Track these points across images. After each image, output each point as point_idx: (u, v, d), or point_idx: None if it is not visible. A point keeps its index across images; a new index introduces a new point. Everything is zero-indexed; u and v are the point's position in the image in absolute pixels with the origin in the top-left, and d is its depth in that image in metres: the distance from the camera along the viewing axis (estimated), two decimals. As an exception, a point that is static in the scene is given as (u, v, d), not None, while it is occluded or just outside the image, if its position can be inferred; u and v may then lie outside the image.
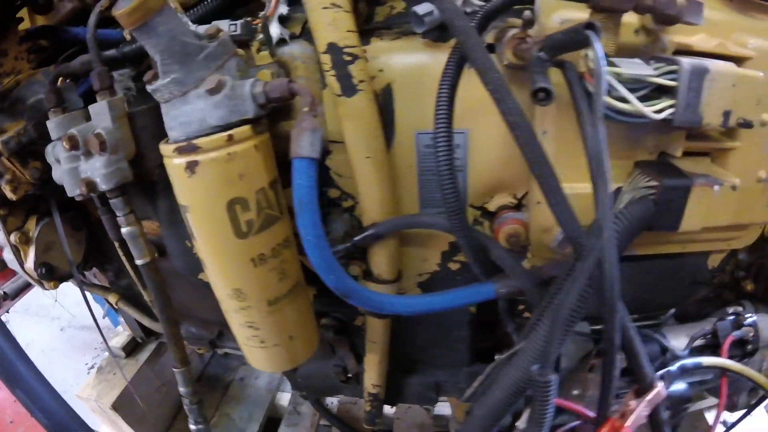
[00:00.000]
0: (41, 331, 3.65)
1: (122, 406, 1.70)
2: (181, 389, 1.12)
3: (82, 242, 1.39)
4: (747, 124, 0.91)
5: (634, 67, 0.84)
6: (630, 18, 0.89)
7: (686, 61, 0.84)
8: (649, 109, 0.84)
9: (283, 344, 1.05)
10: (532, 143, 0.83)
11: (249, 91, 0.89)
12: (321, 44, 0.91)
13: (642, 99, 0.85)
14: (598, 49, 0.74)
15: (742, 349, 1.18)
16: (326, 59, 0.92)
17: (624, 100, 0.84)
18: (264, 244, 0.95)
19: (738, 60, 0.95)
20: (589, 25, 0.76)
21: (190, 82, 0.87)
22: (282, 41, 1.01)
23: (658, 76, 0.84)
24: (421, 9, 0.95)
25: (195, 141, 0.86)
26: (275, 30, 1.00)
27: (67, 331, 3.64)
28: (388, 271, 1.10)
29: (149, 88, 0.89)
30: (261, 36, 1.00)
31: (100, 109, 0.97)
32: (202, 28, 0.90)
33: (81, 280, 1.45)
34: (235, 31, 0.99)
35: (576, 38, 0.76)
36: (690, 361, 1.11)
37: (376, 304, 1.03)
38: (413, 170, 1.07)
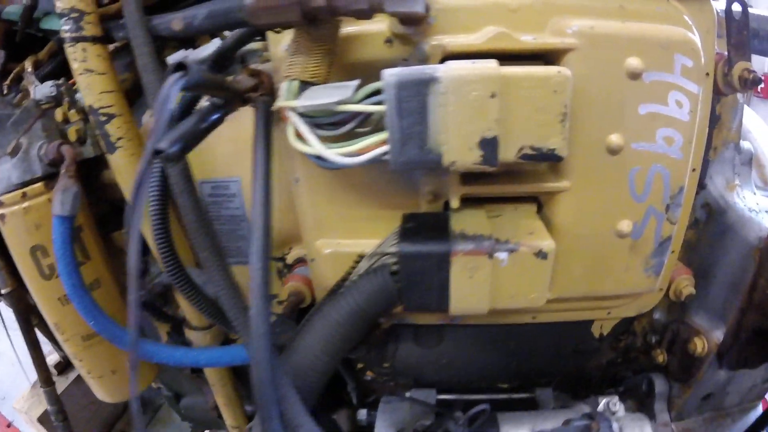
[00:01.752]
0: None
1: (48, 420, 1.35)
2: (48, 407, 0.97)
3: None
4: (545, 156, 0.43)
5: (322, 95, 0.44)
6: (377, 26, 0.48)
7: (391, 73, 0.40)
8: (336, 151, 0.43)
9: (107, 376, 0.86)
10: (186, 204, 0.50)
11: (36, 153, 0.74)
12: (87, 107, 0.71)
13: (353, 135, 0.45)
14: (173, 94, 0.38)
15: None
16: (92, 120, 0.71)
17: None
18: (67, 285, 0.79)
19: (554, 54, 0.47)
20: (179, 66, 0.40)
21: (2, 147, 0.75)
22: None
23: (358, 101, 0.43)
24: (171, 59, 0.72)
25: (1, 197, 0.74)
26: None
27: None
28: (194, 318, 0.81)
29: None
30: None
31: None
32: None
33: None
34: (53, 92, 0.83)
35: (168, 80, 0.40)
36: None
37: (144, 353, 0.77)
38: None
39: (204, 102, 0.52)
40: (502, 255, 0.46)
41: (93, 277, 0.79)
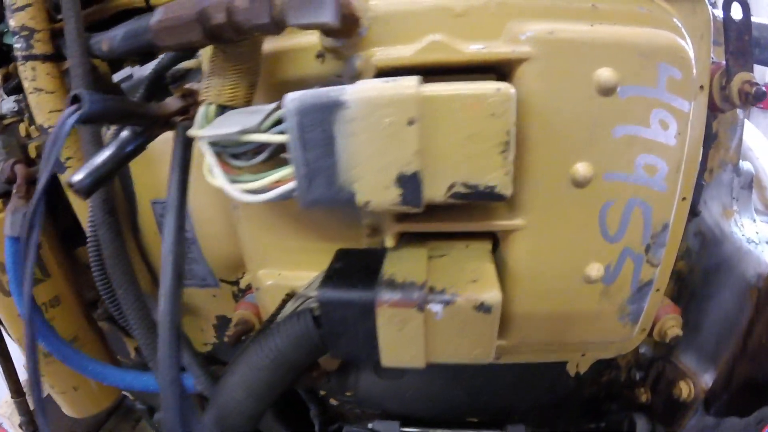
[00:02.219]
0: None
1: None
2: (20, 417, 0.89)
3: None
4: (483, 195, 0.32)
5: (231, 122, 0.34)
6: (307, 39, 0.38)
7: (292, 98, 0.31)
8: (240, 186, 0.33)
9: (69, 392, 0.80)
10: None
11: None
12: (37, 126, 0.62)
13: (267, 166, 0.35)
14: (65, 130, 0.30)
15: None
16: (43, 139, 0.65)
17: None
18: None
19: (507, 66, 0.36)
20: (74, 98, 0.31)
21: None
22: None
23: (265, 130, 0.32)
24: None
25: (-34, 215, 0.69)
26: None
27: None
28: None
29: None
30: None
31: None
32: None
33: None
34: (15, 107, 0.76)
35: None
36: None
37: (95, 374, 0.67)
38: (158, 238, 0.70)
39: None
40: (435, 307, 0.35)
41: (52, 294, 0.72)
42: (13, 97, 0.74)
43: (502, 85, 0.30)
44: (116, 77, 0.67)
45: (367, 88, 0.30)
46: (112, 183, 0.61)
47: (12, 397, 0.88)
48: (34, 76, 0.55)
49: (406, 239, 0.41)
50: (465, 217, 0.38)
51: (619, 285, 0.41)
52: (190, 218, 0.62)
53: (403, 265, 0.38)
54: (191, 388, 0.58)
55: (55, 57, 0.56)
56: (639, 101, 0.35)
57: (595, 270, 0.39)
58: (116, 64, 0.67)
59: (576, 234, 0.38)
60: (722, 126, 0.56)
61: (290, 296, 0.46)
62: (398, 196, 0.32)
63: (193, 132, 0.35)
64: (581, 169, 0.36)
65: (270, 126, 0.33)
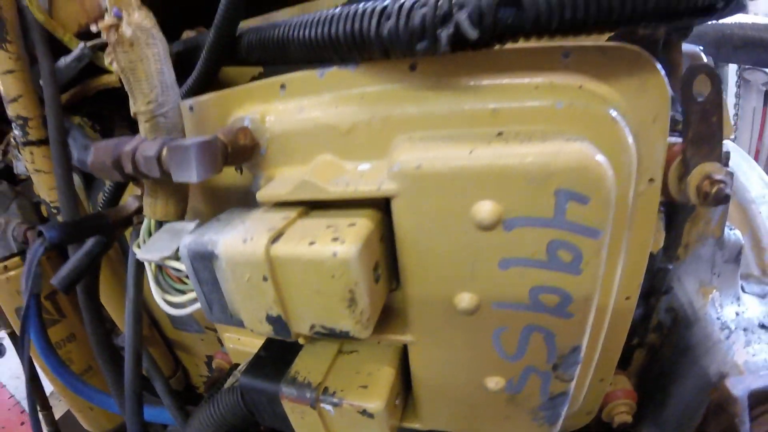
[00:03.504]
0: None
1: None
2: (45, 428, 0.85)
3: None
4: (342, 335, 0.26)
5: (160, 242, 0.32)
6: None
7: (185, 243, 0.28)
8: (166, 297, 0.33)
9: (85, 411, 0.84)
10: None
11: (10, 233, 0.72)
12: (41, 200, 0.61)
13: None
14: (35, 260, 0.33)
15: None
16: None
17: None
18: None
19: (381, 202, 0.28)
20: (39, 233, 0.32)
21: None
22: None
23: (178, 259, 0.31)
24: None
25: (-7, 268, 0.74)
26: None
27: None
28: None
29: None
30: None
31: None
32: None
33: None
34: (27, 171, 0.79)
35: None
36: None
37: (97, 401, 0.60)
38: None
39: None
40: (326, 407, 0.32)
41: (68, 332, 0.76)
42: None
43: (341, 249, 0.24)
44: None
45: (229, 244, 0.26)
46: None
47: (39, 410, 0.85)
48: (32, 159, 0.53)
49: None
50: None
51: (526, 395, 0.32)
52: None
53: (310, 361, 0.34)
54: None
55: (48, 140, 0.52)
56: (530, 233, 0.25)
57: (494, 383, 0.31)
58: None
59: (469, 352, 0.30)
60: None
61: (236, 366, 0.45)
62: (271, 330, 0.28)
63: (135, 250, 0.35)
64: (465, 299, 0.28)
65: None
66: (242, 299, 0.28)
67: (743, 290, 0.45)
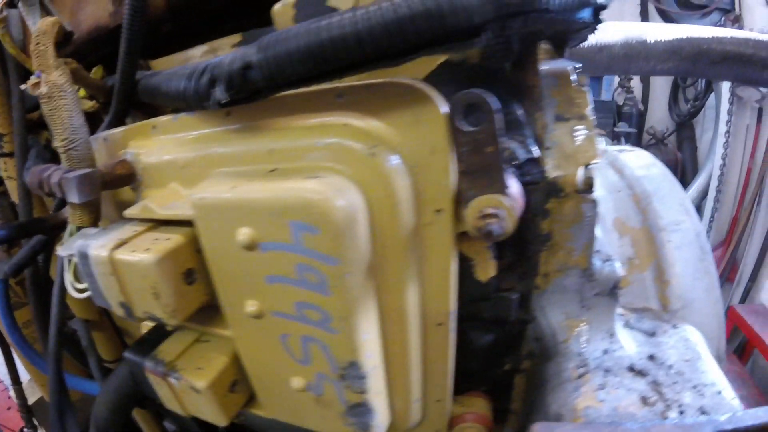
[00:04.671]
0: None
1: (39, 409, 1.01)
2: (17, 401, 0.88)
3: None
4: (159, 319, 0.35)
5: (73, 242, 0.43)
6: None
7: (76, 245, 0.39)
8: (74, 285, 0.44)
9: (46, 386, 0.73)
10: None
11: None
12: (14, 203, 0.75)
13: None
14: None
15: None
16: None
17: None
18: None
19: (187, 224, 0.36)
20: None
21: None
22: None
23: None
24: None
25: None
26: None
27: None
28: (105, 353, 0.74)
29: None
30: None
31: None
32: None
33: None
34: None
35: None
36: None
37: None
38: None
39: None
40: (173, 381, 0.40)
41: (28, 317, 0.79)
42: None
43: (145, 257, 0.32)
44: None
45: (93, 248, 0.36)
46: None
47: (12, 384, 0.91)
48: (5, 168, 0.64)
49: (194, 320, 0.46)
50: (201, 319, 0.40)
51: (328, 400, 0.36)
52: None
53: (172, 344, 0.43)
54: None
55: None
56: (280, 256, 0.30)
57: (296, 383, 0.36)
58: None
59: (271, 352, 0.36)
60: (557, 225, 0.38)
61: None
62: (124, 313, 0.38)
63: (57, 247, 0.47)
64: (251, 306, 0.33)
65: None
66: (104, 289, 0.38)
67: (630, 326, 0.41)
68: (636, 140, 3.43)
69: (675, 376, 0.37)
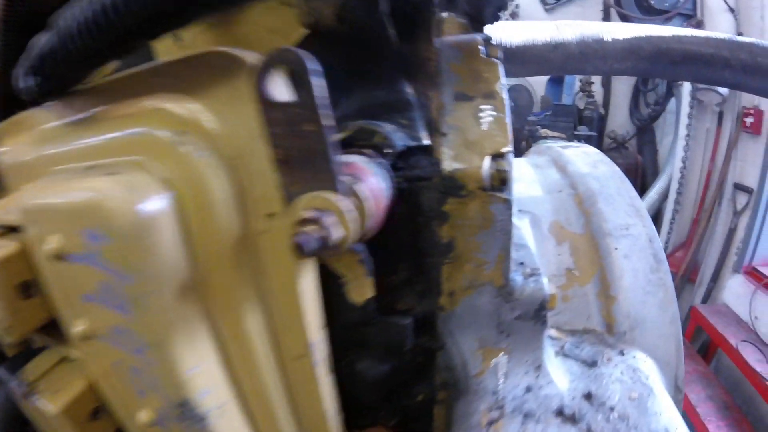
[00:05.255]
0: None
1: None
2: None
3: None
4: None
5: None
6: None
7: None
8: None
9: None
10: None
11: None
12: None
13: None
14: None
15: None
16: None
17: None
18: None
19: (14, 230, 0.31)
20: None
21: None
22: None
23: None
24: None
25: None
26: None
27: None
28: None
29: None
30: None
31: None
32: None
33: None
34: None
35: None
36: None
37: None
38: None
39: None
40: (35, 403, 0.36)
41: None
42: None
43: None
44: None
45: None
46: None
47: None
48: None
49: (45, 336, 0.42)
50: (58, 336, 0.36)
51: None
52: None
53: (40, 362, 0.39)
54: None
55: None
56: (84, 270, 0.25)
57: (143, 416, 0.31)
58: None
59: (113, 380, 0.31)
60: (461, 232, 0.30)
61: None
62: None
63: None
64: (78, 326, 0.28)
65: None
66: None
67: (565, 354, 0.33)
68: (597, 144, 3.48)
69: (617, 422, 0.29)
